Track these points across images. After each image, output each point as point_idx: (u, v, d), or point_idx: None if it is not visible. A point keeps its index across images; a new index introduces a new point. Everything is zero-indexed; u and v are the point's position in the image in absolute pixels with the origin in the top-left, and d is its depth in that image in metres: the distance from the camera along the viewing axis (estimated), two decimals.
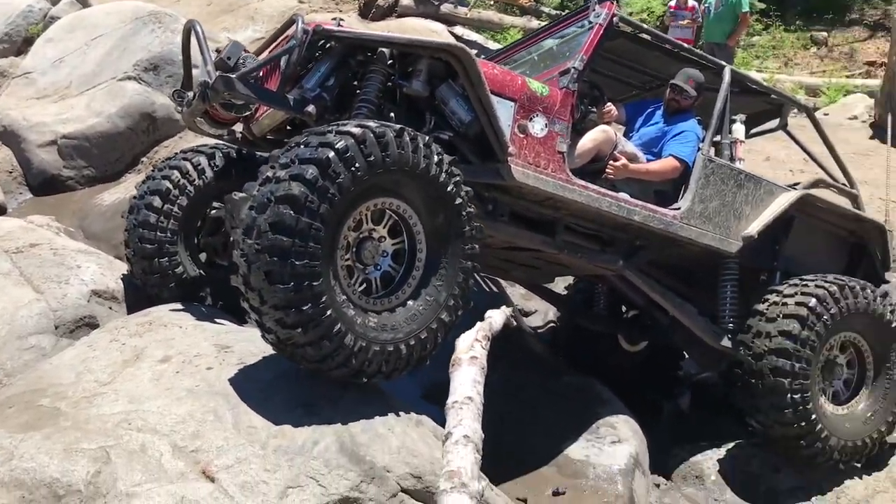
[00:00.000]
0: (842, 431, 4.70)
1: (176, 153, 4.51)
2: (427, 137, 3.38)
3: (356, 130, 3.15)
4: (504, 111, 3.92)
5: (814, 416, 4.54)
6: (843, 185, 5.68)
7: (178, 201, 4.23)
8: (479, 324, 3.16)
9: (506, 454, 4.38)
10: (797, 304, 4.59)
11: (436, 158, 3.33)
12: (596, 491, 4.22)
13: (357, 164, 3.10)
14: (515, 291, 6.61)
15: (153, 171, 4.41)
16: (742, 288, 4.94)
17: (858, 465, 4.82)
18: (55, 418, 3.05)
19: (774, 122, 5.81)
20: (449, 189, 3.37)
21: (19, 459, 2.78)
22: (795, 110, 6.13)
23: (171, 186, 4.22)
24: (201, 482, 2.80)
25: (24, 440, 2.87)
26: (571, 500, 4.19)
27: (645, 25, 5.09)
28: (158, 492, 2.73)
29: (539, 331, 6.48)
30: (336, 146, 3.08)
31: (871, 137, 10.11)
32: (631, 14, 13.44)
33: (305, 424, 3.08)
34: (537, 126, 4.05)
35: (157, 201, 4.19)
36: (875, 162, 9.26)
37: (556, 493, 4.22)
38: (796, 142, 5.74)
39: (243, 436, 2.99)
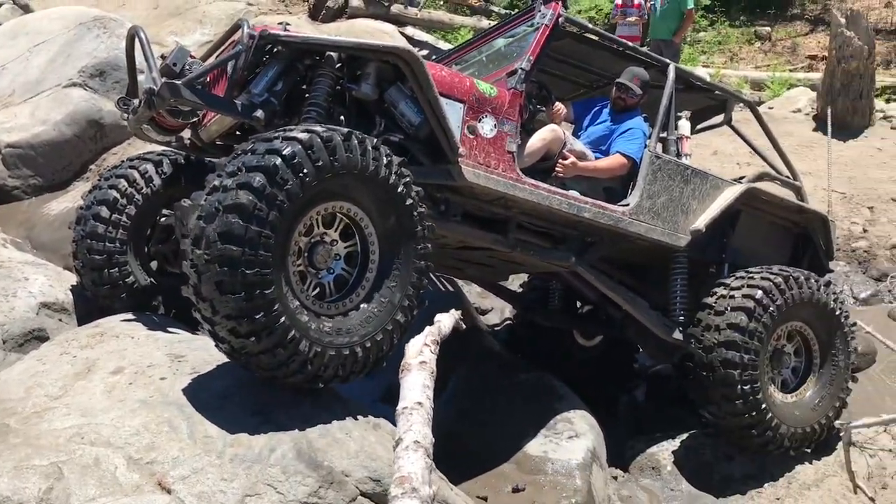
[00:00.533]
0: (792, 419, 4.81)
1: (122, 161, 4.45)
2: (375, 139, 3.39)
3: (303, 136, 3.14)
4: (453, 113, 3.94)
5: (764, 406, 4.65)
6: (787, 177, 5.79)
7: (127, 210, 4.17)
8: (427, 328, 3.17)
9: (465, 453, 4.41)
10: (744, 296, 4.69)
11: (385, 160, 3.34)
12: (555, 486, 4.26)
13: (305, 170, 3.09)
14: (472, 290, 6.65)
15: (99, 180, 4.35)
16: (692, 281, 5.03)
17: (809, 451, 4.95)
18: (5, 435, 2.99)
19: (720, 118, 5.90)
20: (399, 190, 3.38)
21: None
22: (740, 105, 6.24)
23: (118, 196, 4.16)
24: (157, 494, 2.77)
25: None
26: (531, 496, 4.22)
27: (590, 25, 5.15)
28: None
29: (496, 329, 6.53)
30: (283, 152, 3.07)
31: (815, 129, 10.34)
32: (579, 13, 13.58)
33: (262, 432, 3.06)
34: (486, 127, 4.09)
35: (104, 211, 4.13)
36: (818, 153, 9.49)
37: (515, 490, 4.25)
38: (741, 136, 5.84)
39: (199, 446, 2.97)
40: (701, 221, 4.86)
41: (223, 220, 2.97)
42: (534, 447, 4.50)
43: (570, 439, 4.55)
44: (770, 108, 11.04)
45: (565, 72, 5.51)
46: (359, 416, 3.40)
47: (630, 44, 5.30)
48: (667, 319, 4.91)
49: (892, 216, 8.25)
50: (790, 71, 13.02)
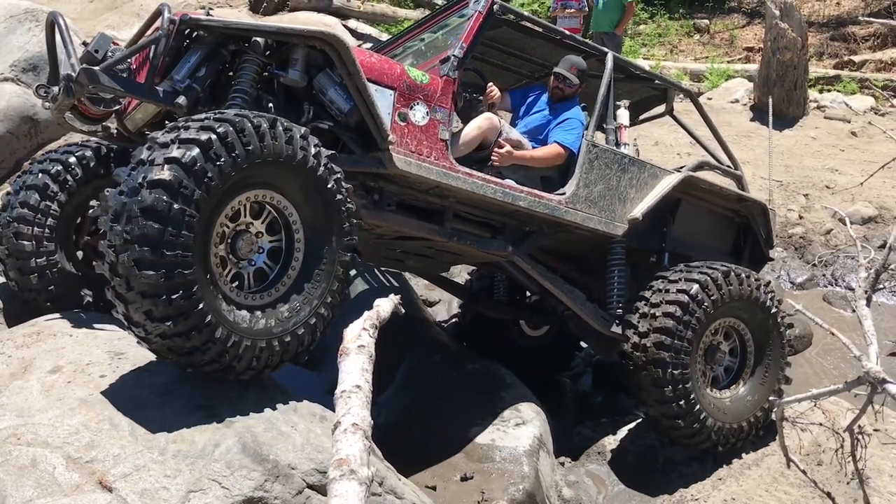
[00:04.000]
0: (722, 415, 4.78)
1: (58, 148, 4.28)
2: (273, 118, 3.25)
3: (201, 138, 3.00)
4: (383, 99, 3.89)
5: (693, 398, 4.60)
6: (728, 167, 5.79)
7: (58, 198, 4.02)
8: (366, 313, 3.17)
9: (413, 444, 4.44)
10: (679, 290, 4.65)
11: (283, 135, 3.22)
12: (503, 473, 4.29)
13: (220, 162, 3.01)
14: (419, 282, 6.66)
15: (31, 163, 4.17)
16: (635, 271, 5.06)
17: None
18: None
19: (661, 108, 5.90)
20: (309, 163, 3.28)
21: None
22: (681, 96, 6.28)
23: (50, 182, 4.01)
24: (98, 493, 2.72)
25: None
26: (479, 484, 4.24)
27: (527, 13, 5.06)
28: None
29: (445, 323, 6.55)
30: (183, 159, 2.94)
31: (752, 119, 10.60)
32: (522, 6, 13.66)
33: (205, 427, 3.03)
34: (418, 114, 4.05)
35: (34, 197, 3.97)
36: (756, 143, 9.72)
37: (464, 479, 4.27)
38: (682, 126, 5.83)
39: (141, 443, 2.92)
40: (638, 210, 4.87)
41: (135, 240, 2.87)
42: (481, 436, 4.53)
43: (518, 427, 4.58)
44: (709, 98, 11.27)
45: (505, 62, 5.50)
46: (304, 409, 3.38)
47: (567, 32, 5.26)
48: (604, 312, 4.87)
49: (827, 203, 8.50)
50: (728, 62, 13.30)
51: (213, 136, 3.00)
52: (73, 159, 4.10)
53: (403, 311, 3.45)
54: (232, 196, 3.16)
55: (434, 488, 4.17)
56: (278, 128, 3.20)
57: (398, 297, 3.44)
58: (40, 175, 4.03)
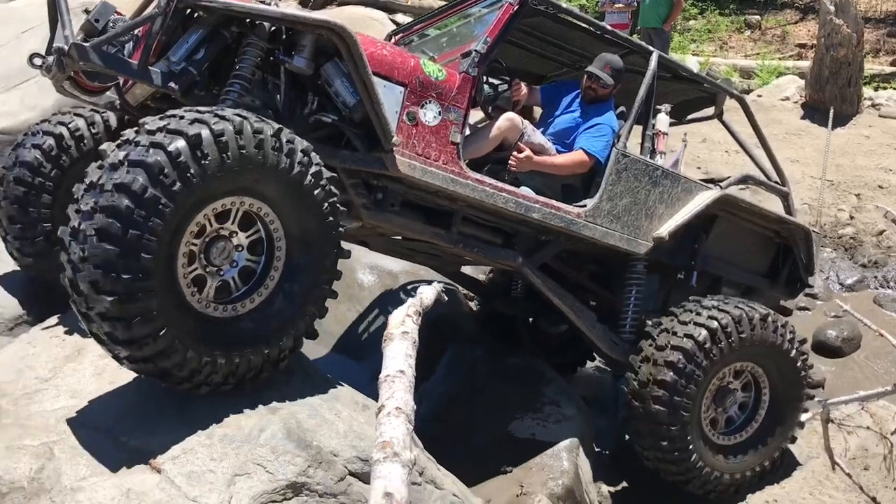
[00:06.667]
0: (727, 465, 4.46)
1: (68, 110, 4.18)
2: (278, 127, 3.05)
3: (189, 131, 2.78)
4: (391, 96, 3.63)
5: (694, 454, 4.27)
6: (775, 182, 5.35)
7: (70, 151, 3.95)
8: (410, 300, 3.18)
9: (454, 435, 4.46)
10: (685, 335, 4.24)
11: (286, 146, 3.03)
12: (542, 468, 4.28)
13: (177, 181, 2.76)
14: None
15: (53, 115, 4.10)
16: (663, 283, 4.87)
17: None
18: None
19: (710, 110, 5.53)
20: (281, 163, 3.02)
21: None
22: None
23: (68, 133, 3.94)
24: (147, 474, 2.80)
25: None
26: (519, 477, 4.25)
27: (565, 6, 4.57)
28: (104, 485, 2.72)
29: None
30: (166, 150, 2.74)
31: (803, 117, 10.42)
32: (570, 1, 13.58)
33: (251, 412, 3.08)
34: (429, 114, 3.76)
35: (48, 142, 3.90)
36: (806, 141, 9.56)
37: (503, 472, 4.28)
38: (731, 133, 5.43)
39: (189, 426, 2.99)
40: (665, 228, 4.46)
41: (92, 243, 2.67)
42: (521, 430, 4.54)
43: (558, 422, 4.58)
44: (759, 96, 11.12)
45: (544, 49, 5.13)
46: (347, 397, 3.43)
47: (609, 27, 4.89)
48: (614, 335, 4.52)
49: (879, 203, 8.32)
50: (779, 59, 13.09)
51: (206, 132, 2.80)
52: (98, 118, 4.01)
53: (446, 298, 3.45)
54: (212, 199, 2.93)
55: (473, 480, 4.19)
56: (282, 137, 3.02)
57: (441, 285, 3.45)
58: (45, 135, 3.97)
